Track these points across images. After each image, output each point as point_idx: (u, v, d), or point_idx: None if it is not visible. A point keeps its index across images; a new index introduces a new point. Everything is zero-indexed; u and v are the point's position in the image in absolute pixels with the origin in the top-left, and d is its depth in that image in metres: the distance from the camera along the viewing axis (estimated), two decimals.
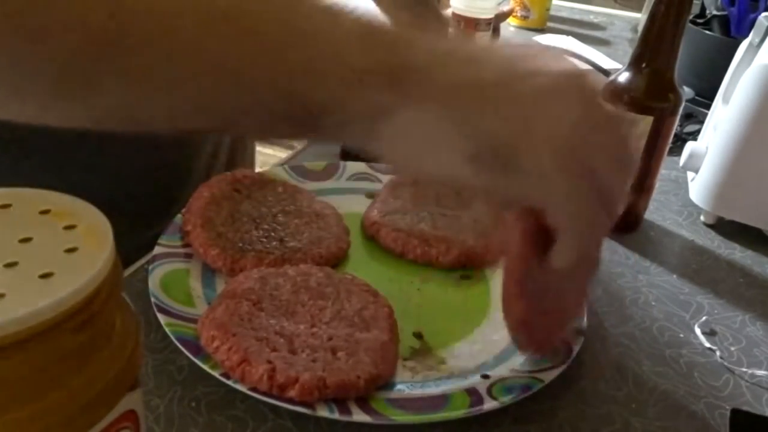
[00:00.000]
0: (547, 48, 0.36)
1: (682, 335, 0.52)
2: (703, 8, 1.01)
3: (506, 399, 0.40)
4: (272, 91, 0.32)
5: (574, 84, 0.33)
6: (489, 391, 0.41)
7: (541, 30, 1.33)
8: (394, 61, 0.32)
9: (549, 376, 0.42)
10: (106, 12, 0.29)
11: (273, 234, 0.52)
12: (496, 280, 0.52)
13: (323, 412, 0.38)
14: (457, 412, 0.39)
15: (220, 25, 0.31)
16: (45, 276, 0.21)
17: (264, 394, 0.38)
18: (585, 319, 0.48)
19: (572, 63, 0.36)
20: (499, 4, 1.19)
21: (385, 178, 0.63)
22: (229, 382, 0.39)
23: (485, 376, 0.43)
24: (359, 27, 0.33)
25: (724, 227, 0.68)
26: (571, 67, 0.35)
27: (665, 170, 0.76)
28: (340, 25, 0.33)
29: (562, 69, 0.34)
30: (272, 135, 0.36)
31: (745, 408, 0.45)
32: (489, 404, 0.40)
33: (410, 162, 0.34)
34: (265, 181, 0.58)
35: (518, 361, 0.44)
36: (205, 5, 0.31)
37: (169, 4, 0.31)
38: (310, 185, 0.61)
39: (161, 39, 0.30)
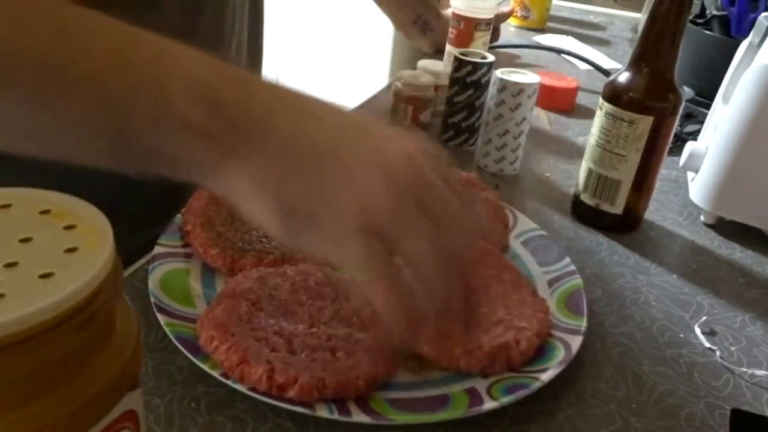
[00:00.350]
0: (397, 130, 0.37)
1: (682, 335, 0.52)
2: (703, 8, 1.01)
3: (506, 399, 0.40)
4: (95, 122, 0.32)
5: (410, 160, 0.34)
6: (488, 391, 0.41)
7: (541, 30, 1.34)
8: (226, 121, 0.33)
9: (549, 376, 0.42)
10: None
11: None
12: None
13: (322, 412, 0.38)
14: (457, 412, 0.39)
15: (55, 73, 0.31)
16: (45, 276, 0.21)
17: (263, 394, 0.38)
18: (585, 320, 0.48)
19: (416, 139, 0.36)
20: (499, 4, 1.19)
21: None
22: (229, 382, 0.39)
23: (485, 375, 0.43)
24: (194, 81, 0.33)
25: (724, 227, 0.68)
26: (412, 142, 0.36)
27: (665, 170, 0.76)
28: (176, 76, 0.32)
29: (405, 143, 0.35)
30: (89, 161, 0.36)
31: (745, 408, 0.45)
32: (489, 404, 0.40)
33: (243, 209, 0.35)
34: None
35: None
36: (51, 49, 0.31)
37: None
38: None
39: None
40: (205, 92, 0.33)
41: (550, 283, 0.52)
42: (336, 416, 0.38)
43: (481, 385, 0.42)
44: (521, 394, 0.41)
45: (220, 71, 0.34)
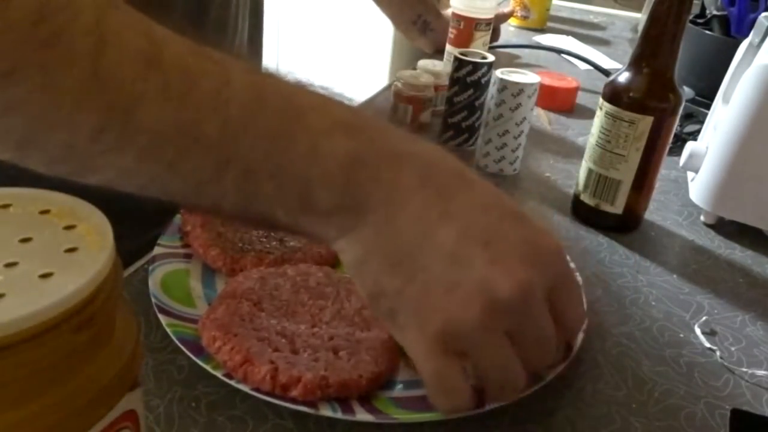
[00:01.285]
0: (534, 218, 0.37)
1: (682, 335, 0.52)
2: (703, 8, 1.01)
3: None
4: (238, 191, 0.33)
5: (550, 258, 0.36)
6: None
7: (541, 30, 1.34)
8: (353, 203, 0.34)
9: (549, 375, 0.42)
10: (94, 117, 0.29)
11: (272, 234, 0.53)
12: None
13: (326, 411, 0.38)
14: None
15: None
16: (45, 276, 0.21)
17: (267, 394, 0.38)
18: (584, 319, 0.48)
19: (558, 240, 0.37)
20: (499, 4, 1.19)
21: None
22: (232, 383, 0.39)
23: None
24: (345, 159, 0.33)
25: (724, 227, 0.68)
26: (556, 242, 0.36)
27: (665, 170, 0.76)
28: (321, 154, 0.33)
29: (549, 241, 0.36)
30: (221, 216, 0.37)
31: (745, 408, 0.45)
32: (490, 404, 0.40)
33: (349, 267, 0.36)
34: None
35: None
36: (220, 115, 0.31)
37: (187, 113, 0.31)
38: None
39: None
40: (342, 179, 0.33)
41: None
42: (339, 415, 0.38)
43: None
44: (523, 393, 0.41)
45: (365, 145, 0.34)
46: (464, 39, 0.95)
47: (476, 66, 0.73)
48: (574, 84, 0.95)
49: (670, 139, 0.61)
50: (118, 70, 0.28)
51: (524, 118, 0.71)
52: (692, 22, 0.98)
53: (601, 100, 0.62)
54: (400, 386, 0.42)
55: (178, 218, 0.53)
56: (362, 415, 0.38)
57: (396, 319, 0.35)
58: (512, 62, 1.13)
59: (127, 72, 0.29)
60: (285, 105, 0.33)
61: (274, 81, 0.34)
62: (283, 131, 0.32)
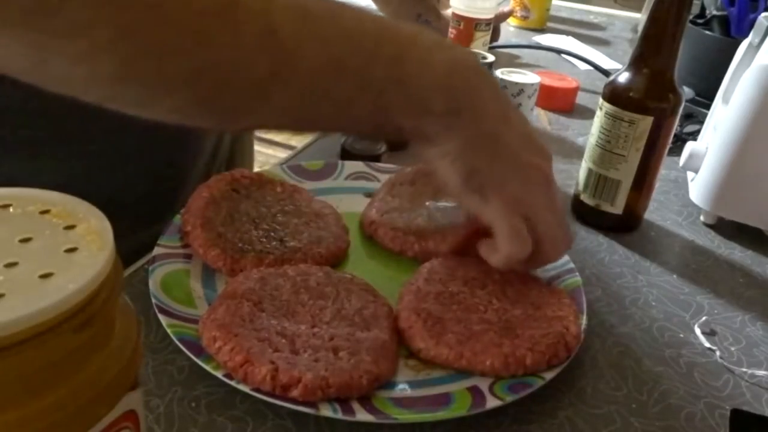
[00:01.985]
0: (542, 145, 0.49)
1: (682, 335, 0.52)
2: (703, 8, 1.01)
3: (509, 397, 0.40)
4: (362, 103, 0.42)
5: (544, 171, 0.47)
6: (491, 389, 0.41)
7: (541, 30, 1.34)
8: (456, 108, 0.43)
9: (551, 374, 0.42)
10: (267, 67, 0.37)
11: (273, 234, 0.52)
12: None
13: (326, 411, 0.38)
14: (460, 410, 0.39)
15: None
16: (45, 276, 0.21)
17: (267, 394, 0.38)
18: (584, 319, 0.48)
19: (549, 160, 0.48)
20: (499, 4, 1.19)
21: (383, 177, 0.63)
22: (232, 383, 0.39)
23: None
24: (444, 70, 0.42)
25: (724, 227, 0.68)
26: (549, 165, 0.48)
27: (665, 170, 0.76)
28: (430, 68, 0.42)
29: (548, 164, 0.48)
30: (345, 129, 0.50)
31: (745, 408, 0.45)
32: (491, 402, 0.40)
33: (434, 166, 0.46)
34: (263, 181, 0.58)
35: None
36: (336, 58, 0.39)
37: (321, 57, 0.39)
38: (309, 185, 0.61)
39: (308, 75, 0.39)
40: (447, 84, 0.42)
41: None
42: (340, 415, 0.38)
43: (483, 383, 0.42)
44: (523, 391, 0.41)
45: (452, 61, 0.43)
46: (464, 39, 0.95)
47: None
48: (573, 84, 0.95)
49: (670, 139, 0.61)
50: (285, 24, 0.36)
51: None
52: (692, 22, 0.98)
53: (601, 100, 0.62)
54: (400, 386, 0.42)
55: (177, 218, 0.53)
56: (362, 416, 0.38)
57: (483, 192, 0.45)
58: (512, 62, 1.13)
59: (290, 25, 0.37)
60: (397, 32, 0.42)
61: (379, 17, 0.44)
62: (401, 54, 0.41)
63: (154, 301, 0.44)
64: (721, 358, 0.49)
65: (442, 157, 0.45)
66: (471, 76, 0.44)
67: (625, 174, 0.61)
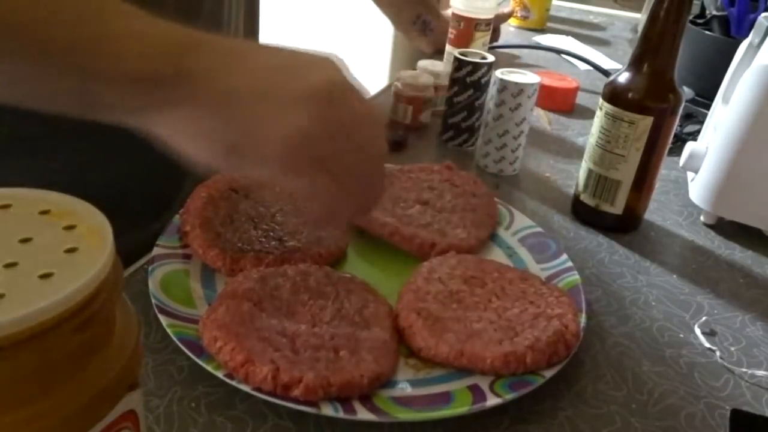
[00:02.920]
0: (318, 56, 0.42)
1: (682, 335, 0.52)
2: (703, 8, 1.01)
3: (509, 395, 0.40)
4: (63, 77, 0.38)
5: (319, 95, 0.40)
6: (491, 387, 0.41)
7: (541, 30, 1.34)
8: (169, 69, 0.38)
9: (550, 372, 0.42)
10: None
11: (272, 234, 0.52)
12: None
13: (328, 411, 0.38)
14: (461, 409, 0.39)
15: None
16: (45, 276, 0.21)
17: (268, 393, 0.38)
18: (584, 318, 0.48)
19: (332, 71, 0.41)
20: (499, 4, 1.19)
21: None
22: (233, 383, 0.39)
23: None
24: (141, 35, 0.38)
25: (724, 227, 0.68)
26: (325, 77, 0.41)
27: (665, 170, 0.76)
28: (125, 32, 0.37)
29: (316, 80, 0.40)
30: (57, 108, 0.40)
31: (745, 408, 0.45)
32: (492, 401, 0.40)
33: (184, 150, 0.40)
34: (262, 181, 0.58)
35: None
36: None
37: None
38: None
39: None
40: (155, 47, 0.38)
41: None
42: (341, 414, 0.38)
43: (483, 381, 0.42)
44: (525, 389, 0.41)
45: (166, 27, 0.39)
46: (464, 39, 0.95)
47: (476, 66, 0.73)
48: (573, 84, 0.95)
49: (670, 139, 0.61)
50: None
51: (524, 119, 0.71)
52: (692, 22, 0.98)
53: (601, 100, 0.62)
54: (401, 385, 0.42)
55: (177, 219, 0.53)
56: (364, 415, 0.38)
57: (250, 163, 0.41)
58: (512, 62, 1.13)
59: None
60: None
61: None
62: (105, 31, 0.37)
63: (154, 301, 0.44)
64: (721, 358, 0.49)
65: (180, 139, 0.40)
66: (197, 41, 0.40)
67: (625, 174, 0.61)
